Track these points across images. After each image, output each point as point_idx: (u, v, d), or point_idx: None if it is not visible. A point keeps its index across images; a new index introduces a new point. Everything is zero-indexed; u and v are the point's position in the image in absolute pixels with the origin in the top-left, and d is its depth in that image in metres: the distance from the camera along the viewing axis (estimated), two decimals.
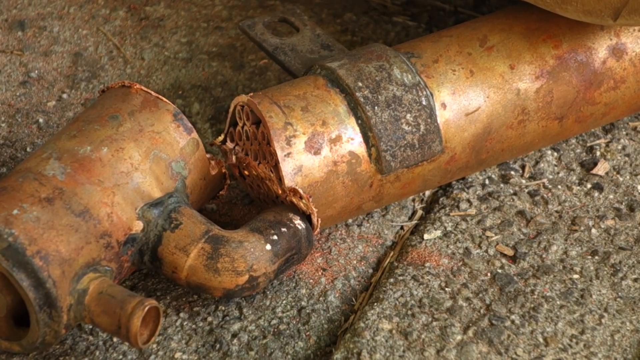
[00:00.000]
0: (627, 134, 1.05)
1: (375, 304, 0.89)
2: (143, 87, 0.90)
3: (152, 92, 0.90)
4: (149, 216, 0.86)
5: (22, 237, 0.80)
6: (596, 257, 0.93)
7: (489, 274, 0.92)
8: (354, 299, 0.90)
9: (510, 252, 0.94)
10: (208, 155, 0.91)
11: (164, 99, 0.89)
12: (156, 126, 0.88)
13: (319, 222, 0.90)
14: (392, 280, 0.91)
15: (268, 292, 0.90)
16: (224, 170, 0.92)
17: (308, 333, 0.87)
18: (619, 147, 1.04)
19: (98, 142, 0.87)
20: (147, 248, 0.86)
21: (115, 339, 0.86)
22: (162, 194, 0.87)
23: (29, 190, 0.83)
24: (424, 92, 0.92)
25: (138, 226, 0.85)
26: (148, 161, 0.87)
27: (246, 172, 0.95)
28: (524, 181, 1.01)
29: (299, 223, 0.87)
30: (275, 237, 0.86)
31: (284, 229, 0.86)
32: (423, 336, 0.86)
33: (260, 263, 0.85)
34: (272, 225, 0.87)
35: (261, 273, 0.85)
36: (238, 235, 0.86)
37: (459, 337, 0.86)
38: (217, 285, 0.85)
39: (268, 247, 0.86)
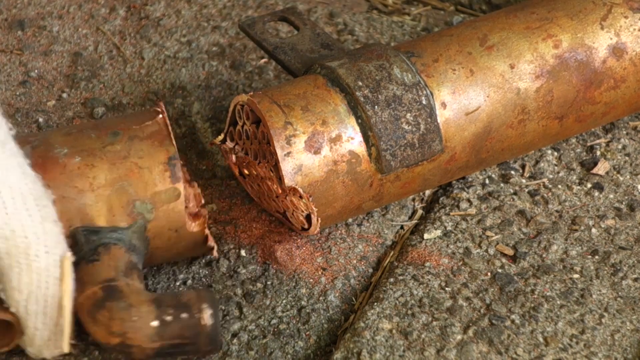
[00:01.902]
0: (627, 134, 1.05)
1: (375, 303, 0.89)
2: (166, 120, 0.87)
3: (168, 128, 0.86)
4: (80, 239, 0.83)
5: None
6: (596, 257, 0.93)
7: (489, 274, 0.92)
8: (354, 299, 0.90)
9: (511, 252, 0.94)
10: (195, 213, 0.87)
11: (172, 140, 0.86)
12: (143, 160, 0.84)
13: (319, 221, 0.90)
14: (392, 279, 0.91)
15: (268, 292, 0.90)
16: (205, 232, 0.87)
17: (308, 333, 0.87)
18: (619, 146, 1.04)
19: (79, 149, 0.85)
20: None
21: None
22: (106, 224, 0.83)
23: None
24: (424, 92, 0.92)
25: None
26: (111, 189, 0.84)
27: (246, 172, 0.94)
28: (524, 181, 1.01)
29: (207, 318, 0.79)
30: (169, 318, 0.79)
31: (184, 315, 0.79)
32: (423, 336, 0.86)
33: (137, 335, 0.79)
34: (176, 305, 0.79)
35: (135, 344, 0.79)
36: (134, 298, 0.80)
37: (459, 337, 0.86)
38: (92, 332, 0.80)
39: (154, 323, 0.79)
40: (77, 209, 0.83)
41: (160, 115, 0.86)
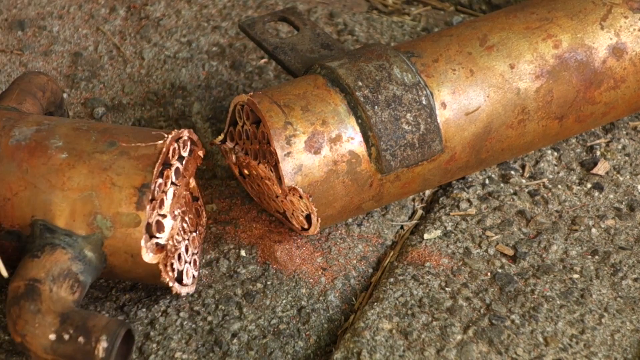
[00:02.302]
0: (627, 134, 1.05)
1: (375, 303, 0.89)
2: (172, 144, 0.86)
3: (164, 155, 0.85)
4: (36, 231, 0.84)
5: None
6: (596, 257, 0.93)
7: (489, 274, 0.92)
8: (354, 299, 0.90)
9: (510, 252, 0.94)
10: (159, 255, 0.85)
11: (157, 167, 0.84)
12: (119, 178, 0.84)
13: (319, 221, 0.90)
14: (392, 280, 0.91)
15: (268, 292, 0.90)
16: (159, 267, 0.84)
17: (308, 333, 0.87)
18: (619, 146, 1.04)
19: (72, 146, 0.85)
20: (22, 250, 0.85)
21: None
22: (64, 227, 0.84)
23: None
24: (424, 92, 0.92)
25: (24, 228, 0.84)
26: (79, 194, 0.84)
27: (246, 172, 0.94)
28: (524, 181, 1.01)
29: (100, 350, 0.78)
30: (67, 336, 0.79)
31: (81, 339, 0.79)
32: (423, 336, 0.86)
33: (34, 342, 0.79)
34: (80, 327, 0.79)
35: (31, 349, 0.80)
36: (46, 305, 0.80)
37: (459, 337, 0.86)
38: (6, 323, 0.81)
39: (52, 337, 0.79)
40: (43, 202, 0.84)
41: (161, 141, 0.84)
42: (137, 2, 1.22)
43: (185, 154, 0.88)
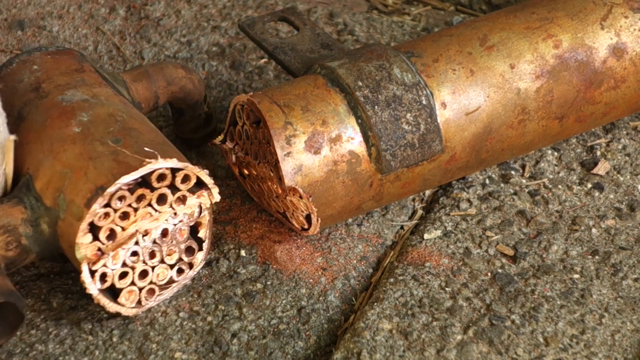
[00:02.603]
0: (627, 134, 1.05)
1: (375, 303, 0.89)
2: (162, 169, 0.84)
3: (141, 173, 0.83)
4: (21, 181, 0.87)
5: None
6: (596, 257, 0.93)
7: (489, 274, 0.92)
8: (354, 299, 0.90)
9: (511, 252, 0.94)
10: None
11: (123, 179, 0.83)
12: (94, 172, 0.84)
13: (319, 221, 0.90)
14: (392, 280, 0.91)
15: (268, 292, 0.90)
16: (82, 268, 0.84)
17: (308, 333, 0.87)
18: (620, 146, 1.04)
19: (90, 126, 0.86)
20: None
21: (115, 339, 0.86)
22: (38, 190, 0.85)
23: None
24: (424, 92, 0.92)
25: (21, 176, 0.88)
26: (61, 168, 0.85)
27: (246, 172, 0.94)
28: (524, 181, 1.01)
29: None
30: None
31: None
32: (423, 336, 0.86)
33: None
34: None
35: None
36: None
37: (459, 337, 0.86)
38: None
39: None
40: (37, 160, 0.87)
41: (148, 160, 0.83)
42: (137, 2, 1.22)
43: (183, 187, 0.85)
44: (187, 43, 1.17)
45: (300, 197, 0.89)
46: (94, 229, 0.83)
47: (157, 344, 0.86)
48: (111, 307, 0.86)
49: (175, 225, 0.86)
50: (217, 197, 0.87)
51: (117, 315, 0.87)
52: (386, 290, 0.90)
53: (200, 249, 0.88)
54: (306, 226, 0.92)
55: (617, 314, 0.88)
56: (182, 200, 0.86)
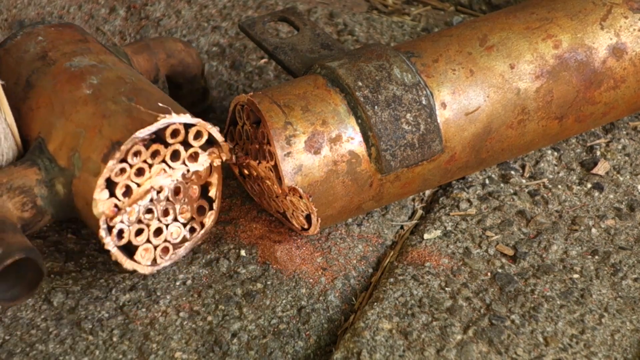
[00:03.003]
0: (627, 134, 1.05)
1: (375, 303, 0.89)
2: (176, 124, 0.86)
3: (155, 128, 0.85)
4: (33, 144, 0.89)
5: None
6: (596, 257, 0.93)
7: (489, 274, 0.92)
8: (354, 299, 0.90)
9: (511, 252, 0.94)
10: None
11: (139, 133, 0.84)
12: (109, 129, 0.85)
13: (319, 221, 0.90)
14: (392, 280, 0.91)
15: (268, 292, 0.90)
16: (100, 224, 0.86)
17: (308, 332, 0.87)
18: (619, 146, 1.04)
19: (101, 87, 0.88)
20: None
21: (115, 339, 0.86)
22: (52, 153, 0.87)
23: None
24: (424, 92, 0.92)
25: (31, 141, 0.90)
26: (74, 129, 0.87)
27: (246, 172, 0.94)
28: (524, 181, 1.01)
29: None
30: None
31: None
32: (423, 336, 0.86)
33: None
34: None
35: None
36: None
37: (459, 337, 0.86)
38: None
39: None
40: (49, 123, 0.88)
41: (163, 116, 0.85)
42: (137, 2, 1.22)
43: (195, 144, 0.88)
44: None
45: (300, 197, 0.89)
46: (110, 186, 0.85)
47: (157, 344, 0.86)
48: (128, 264, 0.87)
49: (187, 183, 0.88)
50: (227, 154, 0.89)
51: (133, 272, 0.89)
52: (386, 290, 0.90)
53: (211, 208, 0.90)
54: (306, 226, 0.92)
55: (616, 313, 0.88)
56: (195, 157, 0.88)
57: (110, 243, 0.86)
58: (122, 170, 0.85)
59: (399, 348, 0.85)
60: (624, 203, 0.98)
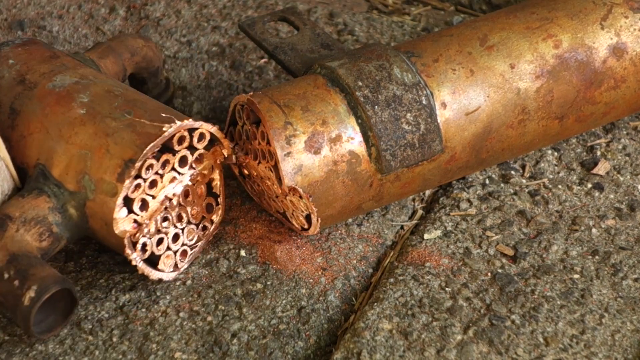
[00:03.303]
0: (627, 134, 1.05)
1: (375, 303, 0.89)
2: (180, 131, 0.86)
3: (164, 139, 0.85)
4: (35, 173, 0.88)
5: None
6: (596, 257, 0.93)
7: (489, 274, 0.92)
8: (354, 299, 0.90)
9: (511, 252, 0.94)
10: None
11: (150, 148, 0.84)
12: (116, 147, 0.85)
13: (319, 221, 0.90)
14: (392, 280, 0.91)
15: (268, 292, 0.90)
16: (124, 242, 0.86)
17: (308, 333, 0.87)
18: (620, 146, 1.04)
19: (94, 106, 0.87)
20: None
21: (115, 339, 0.86)
22: (57, 177, 0.86)
23: None
24: (424, 92, 0.92)
25: (30, 168, 0.89)
26: (78, 151, 0.86)
27: (246, 172, 0.94)
28: (524, 181, 1.01)
29: (27, 299, 0.81)
30: (6, 275, 0.82)
31: (16, 282, 0.82)
32: (423, 336, 0.86)
33: None
34: (21, 271, 0.82)
35: None
36: (3, 241, 0.84)
37: (459, 337, 0.86)
38: None
39: None
40: (48, 148, 0.87)
41: (168, 125, 0.85)
42: (137, 2, 1.22)
43: (200, 146, 0.88)
44: (187, 43, 1.17)
45: (300, 197, 0.89)
46: (127, 203, 0.85)
47: (157, 344, 0.86)
48: (154, 274, 0.88)
49: (193, 185, 0.89)
50: (229, 150, 0.90)
51: (159, 281, 0.90)
52: (386, 290, 0.90)
53: (217, 203, 0.91)
54: (306, 226, 0.92)
55: (617, 314, 0.88)
56: (200, 159, 0.89)
57: (137, 259, 0.86)
58: (137, 186, 0.85)
59: (399, 348, 0.85)
60: (624, 203, 0.98)
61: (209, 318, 0.88)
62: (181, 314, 0.88)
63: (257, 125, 0.91)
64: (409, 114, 0.91)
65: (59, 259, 0.93)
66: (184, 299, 0.90)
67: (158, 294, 0.90)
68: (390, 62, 0.93)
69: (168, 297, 0.90)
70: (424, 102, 0.92)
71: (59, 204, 0.86)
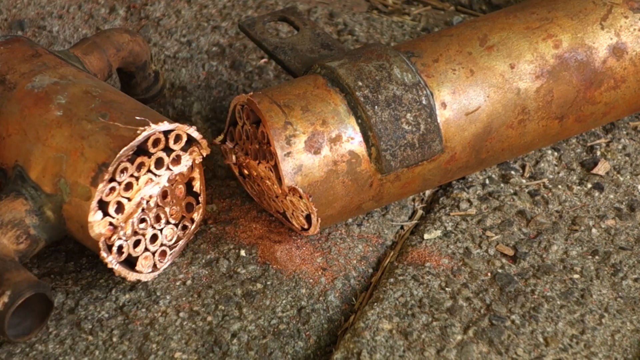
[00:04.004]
0: (627, 134, 1.05)
1: (375, 303, 0.89)
2: (156, 134, 0.86)
3: (138, 142, 0.85)
4: (13, 175, 0.88)
5: None
6: (596, 257, 0.93)
7: (489, 274, 0.92)
8: (354, 299, 0.90)
9: (511, 252, 0.94)
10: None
11: (123, 151, 0.84)
12: (90, 150, 0.85)
13: (319, 221, 0.90)
14: (392, 280, 0.91)
15: (268, 292, 0.90)
16: (99, 244, 0.85)
17: (308, 333, 0.87)
18: (620, 146, 1.04)
19: (71, 107, 0.87)
20: None
21: (115, 339, 0.86)
22: (34, 180, 0.86)
23: None
24: (424, 92, 0.92)
25: (9, 170, 0.89)
26: (54, 153, 0.86)
27: (246, 172, 0.94)
28: (524, 181, 1.01)
29: (1, 302, 0.81)
30: None
31: None
32: (423, 336, 0.86)
33: None
34: None
35: None
36: None
37: (459, 337, 0.86)
38: None
39: None
40: (26, 150, 0.87)
41: (142, 127, 0.85)
42: (137, 2, 1.22)
43: (176, 147, 0.88)
44: (187, 43, 1.17)
45: (300, 197, 0.89)
46: (102, 206, 0.85)
47: (157, 344, 0.86)
48: (132, 276, 0.88)
49: (172, 185, 0.89)
50: (207, 150, 0.89)
51: (138, 282, 0.89)
52: (386, 290, 0.90)
53: (198, 202, 0.91)
54: (306, 226, 0.92)
55: (617, 314, 0.88)
56: (177, 160, 0.88)
57: (112, 261, 0.86)
58: (112, 189, 0.85)
59: (399, 348, 0.85)
60: (624, 203, 0.98)
61: (209, 318, 0.88)
62: (181, 314, 0.88)
63: (257, 125, 0.91)
64: (409, 114, 0.91)
65: (59, 259, 0.93)
66: (184, 299, 0.90)
67: (158, 294, 0.90)
68: (390, 62, 0.93)
69: (168, 297, 0.90)
70: (424, 102, 0.92)
71: (36, 207, 0.86)
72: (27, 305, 0.84)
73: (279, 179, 0.89)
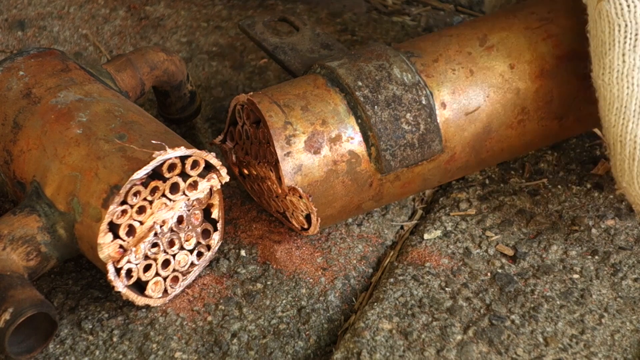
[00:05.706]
0: None
1: (375, 303, 0.89)
2: (172, 159, 0.85)
3: (152, 165, 0.84)
4: (29, 190, 0.87)
5: None
6: (596, 257, 0.93)
7: (489, 274, 0.92)
8: (354, 299, 0.90)
9: (510, 252, 0.94)
10: None
11: (136, 174, 0.83)
12: (105, 171, 0.83)
13: (319, 221, 0.90)
14: (392, 280, 0.91)
15: (268, 292, 0.90)
16: (107, 267, 0.85)
17: (308, 333, 0.87)
18: None
19: (92, 126, 0.86)
20: None
21: (115, 339, 0.86)
22: (49, 196, 0.85)
23: None
24: (424, 92, 0.92)
25: (27, 184, 0.88)
26: (70, 172, 0.85)
27: (246, 172, 0.94)
28: (524, 181, 1.01)
29: (3, 319, 0.80)
30: None
31: None
32: (423, 336, 0.86)
33: None
34: None
35: None
36: None
37: (459, 337, 0.86)
38: None
39: None
40: (44, 167, 0.86)
41: (158, 152, 0.84)
42: (137, 2, 1.22)
43: (193, 173, 0.86)
44: (187, 43, 1.17)
45: (300, 197, 0.89)
46: (113, 228, 0.84)
47: (157, 344, 0.86)
48: (140, 300, 0.87)
49: (188, 210, 0.87)
50: (226, 178, 0.88)
51: (146, 307, 0.88)
52: (386, 290, 0.90)
53: (216, 229, 0.89)
54: (306, 226, 0.92)
55: (616, 314, 0.88)
56: (194, 185, 0.87)
57: (119, 285, 0.85)
58: (124, 212, 0.83)
59: (399, 348, 0.85)
60: (624, 203, 0.98)
61: (209, 318, 0.88)
62: (181, 314, 0.88)
63: (257, 125, 0.91)
64: (408, 114, 0.92)
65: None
66: (184, 299, 0.90)
67: None
68: (390, 62, 0.93)
69: (168, 297, 0.90)
70: (423, 102, 0.92)
71: (49, 224, 0.85)
72: (30, 323, 0.83)
73: (279, 179, 0.89)
